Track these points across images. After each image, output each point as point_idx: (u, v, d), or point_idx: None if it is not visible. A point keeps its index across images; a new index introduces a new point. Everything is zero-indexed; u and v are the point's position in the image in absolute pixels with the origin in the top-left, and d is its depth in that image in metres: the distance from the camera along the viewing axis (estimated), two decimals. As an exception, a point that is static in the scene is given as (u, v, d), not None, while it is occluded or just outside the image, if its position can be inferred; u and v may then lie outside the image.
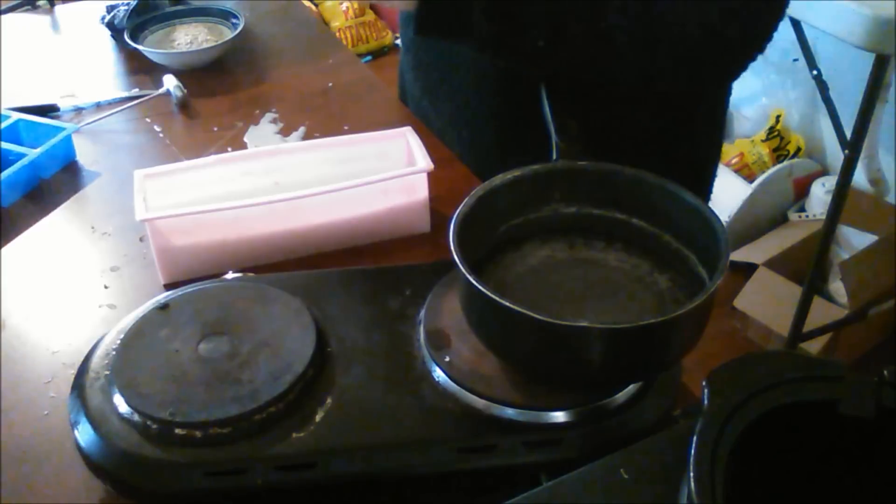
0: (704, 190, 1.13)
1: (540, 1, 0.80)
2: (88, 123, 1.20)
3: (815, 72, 1.74)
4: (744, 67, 0.85)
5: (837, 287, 2.08)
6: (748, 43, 0.83)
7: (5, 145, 1.09)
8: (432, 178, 0.95)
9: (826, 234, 1.83)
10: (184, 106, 1.24)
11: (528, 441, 0.65)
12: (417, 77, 1.14)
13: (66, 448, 0.70)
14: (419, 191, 0.95)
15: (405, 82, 1.21)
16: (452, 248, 0.66)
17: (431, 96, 1.13)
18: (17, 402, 0.77)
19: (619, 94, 0.96)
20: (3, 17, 1.52)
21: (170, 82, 1.26)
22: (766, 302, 2.11)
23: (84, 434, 0.66)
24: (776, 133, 2.40)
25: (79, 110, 1.24)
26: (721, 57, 0.84)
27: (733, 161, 2.39)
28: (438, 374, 0.69)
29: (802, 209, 2.36)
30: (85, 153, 1.14)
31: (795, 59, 1.92)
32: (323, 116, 1.21)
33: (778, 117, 2.41)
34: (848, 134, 1.69)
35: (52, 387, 0.79)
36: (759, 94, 2.47)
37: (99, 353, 0.72)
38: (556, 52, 0.82)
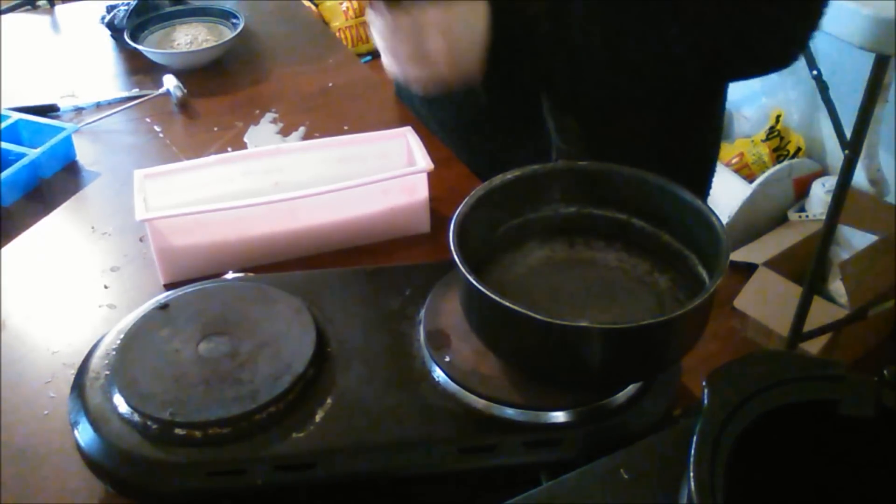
0: (703, 189, 1.12)
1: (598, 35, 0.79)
2: (88, 123, 1.20)
3: (815, 72, 1.74)
4: (803, 49, 0.87)
5: (837, 287, 2.08)
6: (806, 31, 0.85)
7: (5, 145, 1.09)
8: (432, 178, 0.95)
9: (826, 234, 1.83)
10: (184, 106, 1.24)
11: (528, 441, 0.65)
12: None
13: (66, 448, 0.70)
14: (419, 191, 0.95)
15: (399, 83, 1.21)
16: (452, 248, 0.65)
17: (430, 103, 1.12)
18: (17, 402, 0.77)
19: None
20: (3, 17, 1.52)
21: (170, 82, 1.26)
22: (766, 302, 2.11)
23: (84, 434, 0.66)
24: (776, 133, 2.40)
25: (79, 110, 1.24)
26: (784, 49, 0.85)
27: (733, 161, 2.39)
28: (438, 374, 0.69)
29: (802, 209, 2.36)
30: (85, 153, 1.14)
31: (795, 59, 1.92)
32: (323, 116, 1.21)
33: (778, 117, 2.41)
34: (848, 134, 1.69)
35: (52, 387, 0.79)
36: (759, 94, 2.47)
37: (99, 353, 0.72)
38: (618, 75, 0.82)
